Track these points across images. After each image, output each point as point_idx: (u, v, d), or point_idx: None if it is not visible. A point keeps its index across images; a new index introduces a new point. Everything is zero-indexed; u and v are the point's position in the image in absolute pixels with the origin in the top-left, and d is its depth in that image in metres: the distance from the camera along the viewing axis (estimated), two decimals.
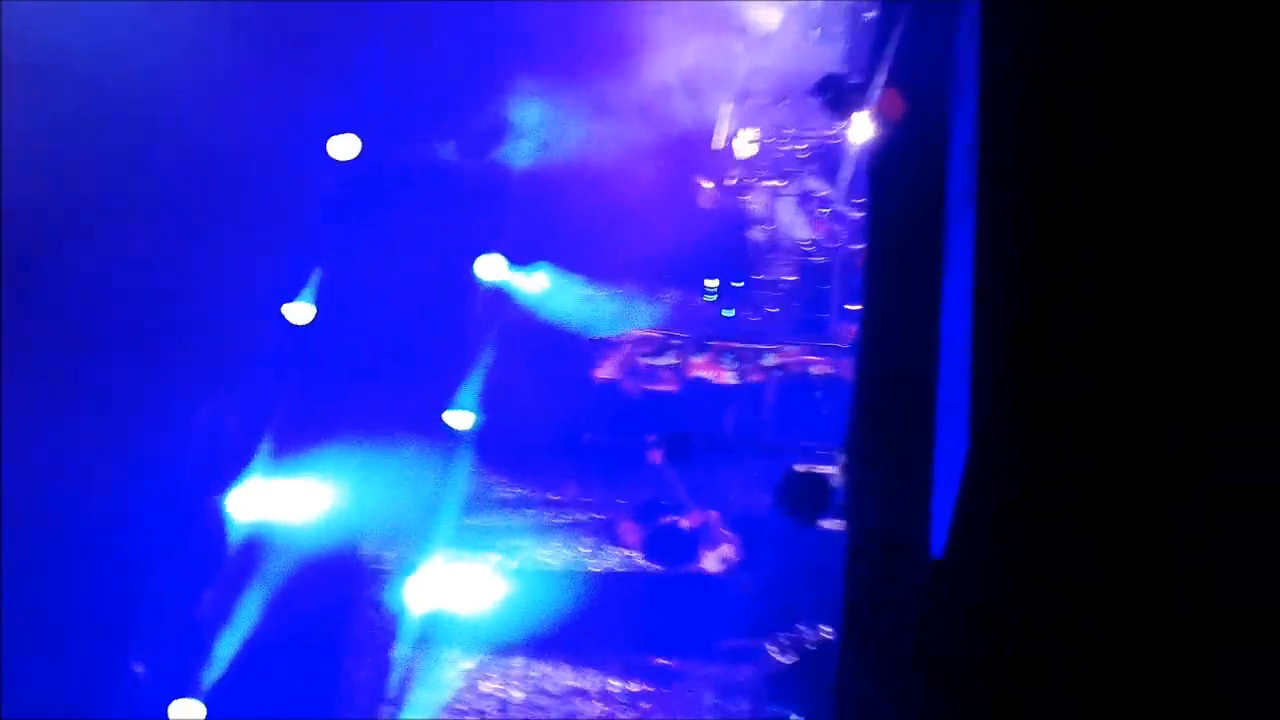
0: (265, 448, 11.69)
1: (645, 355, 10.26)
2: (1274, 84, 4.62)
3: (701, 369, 10.17)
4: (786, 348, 10.47)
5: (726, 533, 10.18)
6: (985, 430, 4.72)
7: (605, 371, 10.32)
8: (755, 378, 10.27)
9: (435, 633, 11.13)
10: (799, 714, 9.20)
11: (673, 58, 12.17)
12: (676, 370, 10.20)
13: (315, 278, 12.42)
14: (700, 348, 10.31)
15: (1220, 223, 4.58)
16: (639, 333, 10.38)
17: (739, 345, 10.48)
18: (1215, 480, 4.44)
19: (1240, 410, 4.46)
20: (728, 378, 10.18)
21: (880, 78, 8.02)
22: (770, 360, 10.24)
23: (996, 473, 4.71)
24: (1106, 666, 4.51)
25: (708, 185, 11.86)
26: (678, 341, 10.38)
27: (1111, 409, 4.58)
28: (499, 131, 12.70)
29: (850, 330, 9.68)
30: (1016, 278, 4.92)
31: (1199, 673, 4.39)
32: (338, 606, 11.39)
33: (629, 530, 10.52)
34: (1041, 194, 4.86)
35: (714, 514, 10.27)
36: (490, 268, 12.51)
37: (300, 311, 12.30)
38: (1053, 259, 4.79)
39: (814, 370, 10.25)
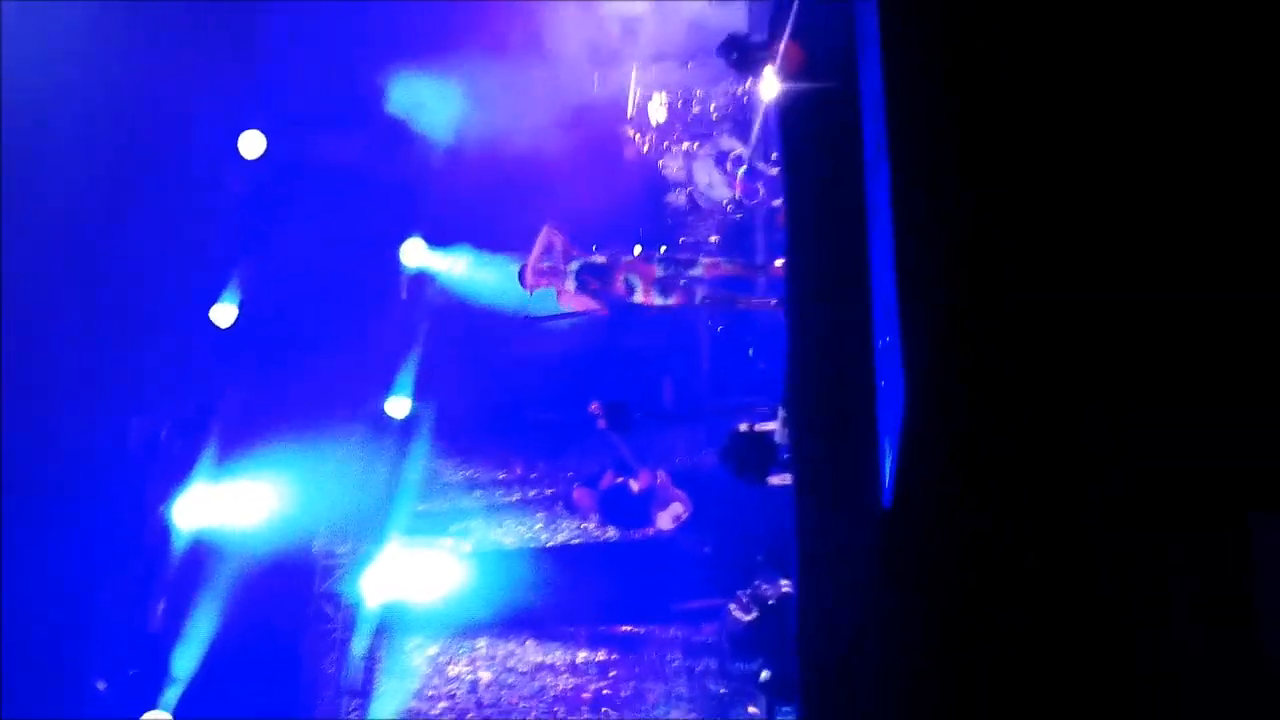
0: (204, 454, 11.62)
1: (576, 257, 10.29)
2: (1202, 52, 4.65)
3: (631, 269, 10.14)
4: (719, 261, 10.53)
5: (676, 491, 10.28)
6: (919, 390, 4.78)
7: (533, 279, 10.30)
8: (678, 295, 10.21)
9: (396, 622, 11.19)
10: (763, 668, 9.32)
11: (575, 29, 12.15)
12: (606, 272, 10.15)
13: (236, 279, 12.31)
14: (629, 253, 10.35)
15: (1136, 201, 4.62)
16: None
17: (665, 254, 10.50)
18: (1132, 463, 4.50)
19: (1156, 393, 4.52)
20: (657, 275, 10.12)
21: (784, 33, 8.05)
22: (698, 270, 10.25)
23: (932, 434, 4.78)
24: (1029, 647, 4.58)
25: (627, 151, 11.89)
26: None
27: (1028, 390, 4.63)
28: (407, 118, 12.61)
29: (777, 283, 9.73)
30: (934, 233, 4.96)
31: (1119, 654, 4.46)
32: (294, 606, 11.40)
33: (582, 497, 10.60)
34: (952, 150, 4.90)
35: (661, 473, 10.36)
36: (413, 253, 12.45)
37: (224, 314, 12.19)
38: (967, 229, 4.83)
39: (740, 305, 10.39)
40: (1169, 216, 4.58)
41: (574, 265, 10.12)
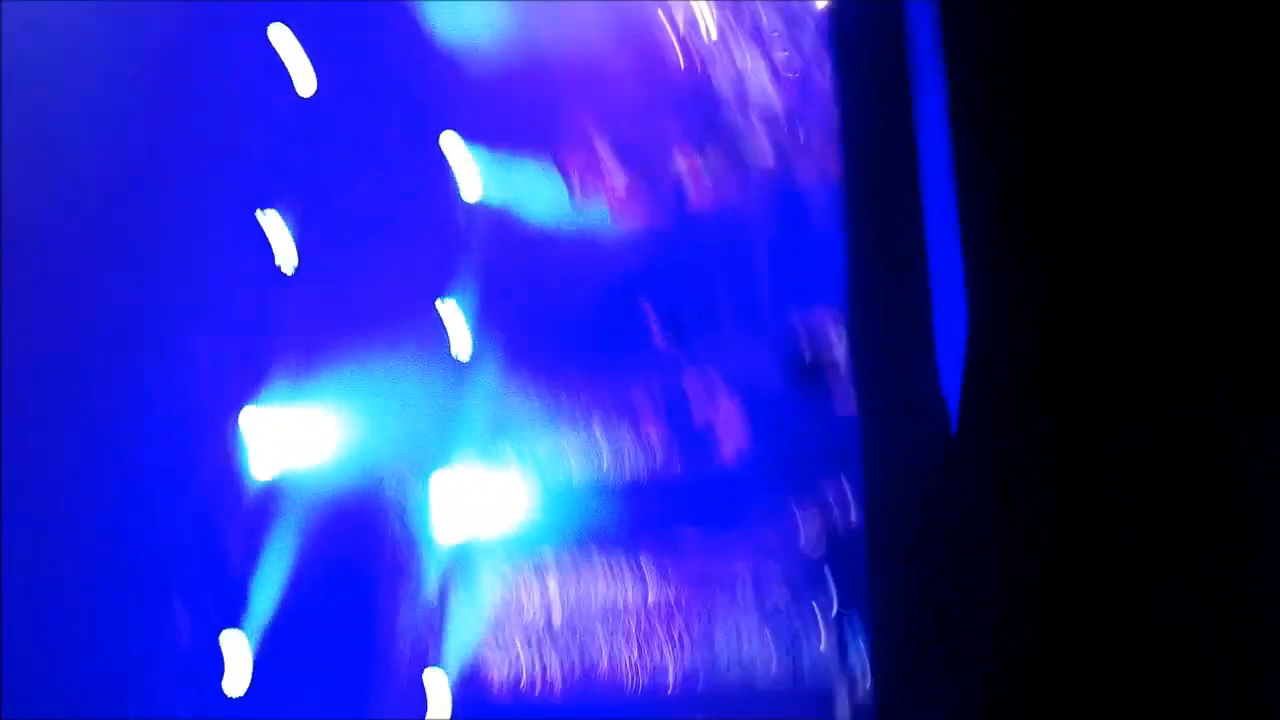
0: (271, 392, 11.65)
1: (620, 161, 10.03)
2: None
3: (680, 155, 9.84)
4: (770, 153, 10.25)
5: (737, 418, 10.17)
6: (981, 310, 4.72)
7: (580, 187, 10.03)
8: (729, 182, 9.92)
9: (468, 555, 11.24)
10: (835, 601, 9.31)
11: None
12: (652, 167, 9.88)
13: (292, 217, 12.23)
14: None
15: (1156, 155, 4.54)
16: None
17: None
18: (1150, 415, 4.52)
19: (1174, 345, 4.50)
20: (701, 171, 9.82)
21: None
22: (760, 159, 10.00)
23: (997, 360, 4.73)
24: (1048, 601, 4.64)
25: (680, 64, 11.68)
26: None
27: (1049, 343, 4.64)
28: (454, 36, 12.40)
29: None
30: (993, 123, 4.93)
31: (1138, 607, 4.51)
32: (366, 540, 11.46)
33: (649, 428, 10.56)
34: (1006, 61, 4.79)
35: (725, 401, 10.25)
36: (468, 178, 12.31)
37: (286, 256, 12.13)
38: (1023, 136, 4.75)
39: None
40: (1185, 169, 4.49)
41: (620, 176, 9.83)
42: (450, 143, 12.22)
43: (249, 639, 11.02)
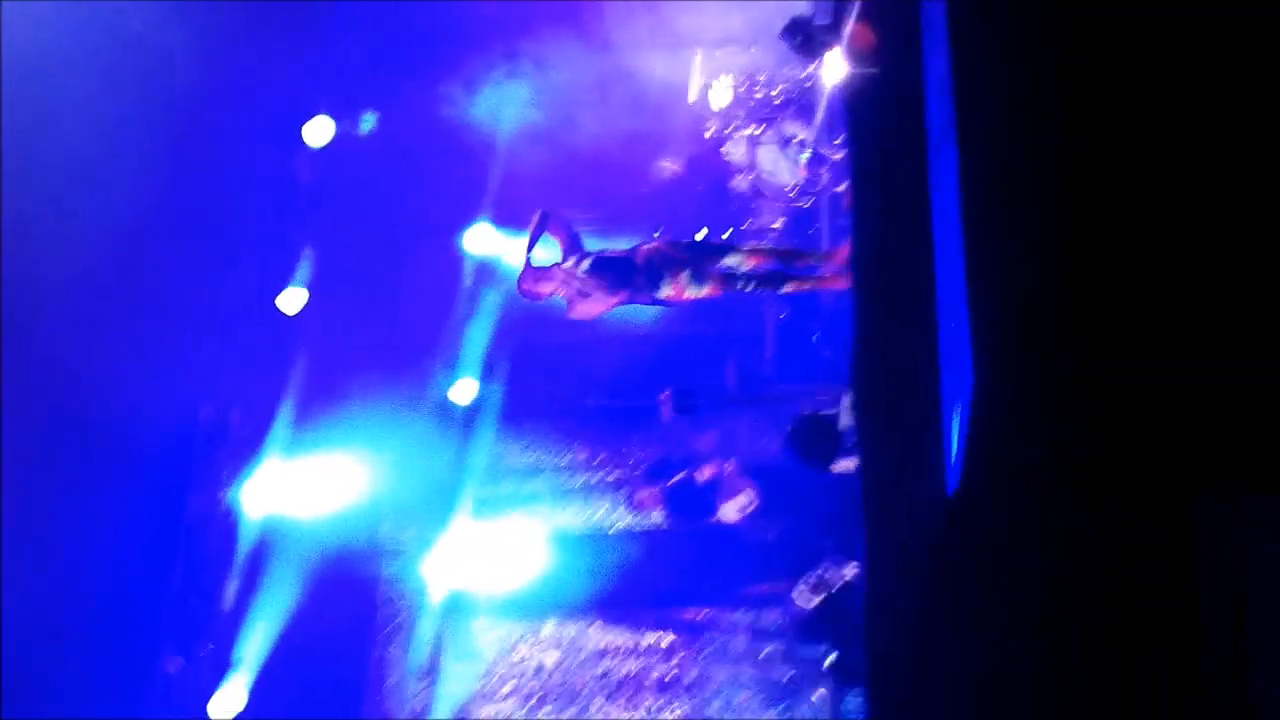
0: (273, 439, 11.72)
1: (585, 254, 8.62)
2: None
3: (654, 254, 8.75)
4: (759, 246, 9.54)
5: (743, 480, 10.15)
6: (987, 367, 4.76)
7: (533, 285, 8.60)
8: (714, 283, 8.97)
9: (462, 605, 11.24)
10: (829, 653, 9.31)
11: (638, 14, 12.14)
12: (626, 265, 8.80)
13: (303, 265, 12.38)
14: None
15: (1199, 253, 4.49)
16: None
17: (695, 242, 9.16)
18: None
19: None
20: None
21: (849, 16, 8.01)
22: (736, 259, 8.66)
23: (1000, 412, 4.75)
24: (1098, 628, 4.57)
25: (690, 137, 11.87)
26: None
27: (1100, 381, 4.57)
28: (471, 103, 12.64)
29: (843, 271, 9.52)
30: (1000, 219, 4.95)
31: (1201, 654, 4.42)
32: (362, 589, 11.48)
33: (646, 489, 10.58)
34: (1018, 134, 4.88)
35: (729, 463, 10.23)
36: (478, 238, 12.48)
37: (292, 299, 12.26)
38: (1035, 213, 4.81)
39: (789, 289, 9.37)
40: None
41: (585, 264, 8.67)
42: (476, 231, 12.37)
43: (242, 684, 10.99)
